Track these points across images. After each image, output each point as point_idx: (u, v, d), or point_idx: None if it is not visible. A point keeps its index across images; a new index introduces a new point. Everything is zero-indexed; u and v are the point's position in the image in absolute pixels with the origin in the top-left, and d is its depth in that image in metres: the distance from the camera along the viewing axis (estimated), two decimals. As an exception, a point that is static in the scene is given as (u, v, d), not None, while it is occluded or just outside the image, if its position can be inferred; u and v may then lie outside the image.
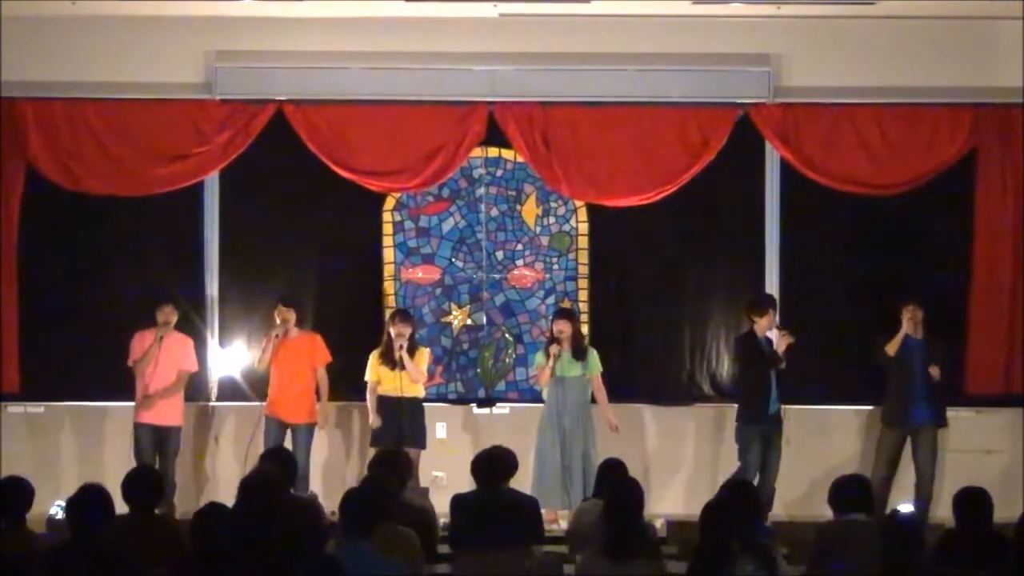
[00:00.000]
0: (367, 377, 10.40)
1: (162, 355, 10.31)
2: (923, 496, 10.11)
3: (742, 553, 5.96)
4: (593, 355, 10.34)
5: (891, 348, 10.27)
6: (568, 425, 10.17)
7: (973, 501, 6.56)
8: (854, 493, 7.03)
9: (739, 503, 6.28)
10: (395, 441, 9.82)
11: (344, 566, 5.63)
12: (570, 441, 10.15)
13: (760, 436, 10.22)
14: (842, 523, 6.95)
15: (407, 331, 10.32)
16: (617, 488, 6.75)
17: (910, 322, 10.25)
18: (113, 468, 10.13)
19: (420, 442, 10.26)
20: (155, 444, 10.30)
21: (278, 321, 10.40)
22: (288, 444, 10.10)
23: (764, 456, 10.20)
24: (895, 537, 6.04)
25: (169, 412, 10.34)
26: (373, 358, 10.40)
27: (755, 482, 9.82)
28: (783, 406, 10.41)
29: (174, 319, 10.37)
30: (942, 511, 6.76)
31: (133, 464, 9.95)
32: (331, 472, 10.86)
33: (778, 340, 10.24)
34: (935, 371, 10.21)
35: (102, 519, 6.18)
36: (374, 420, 10.37)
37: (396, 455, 7.87)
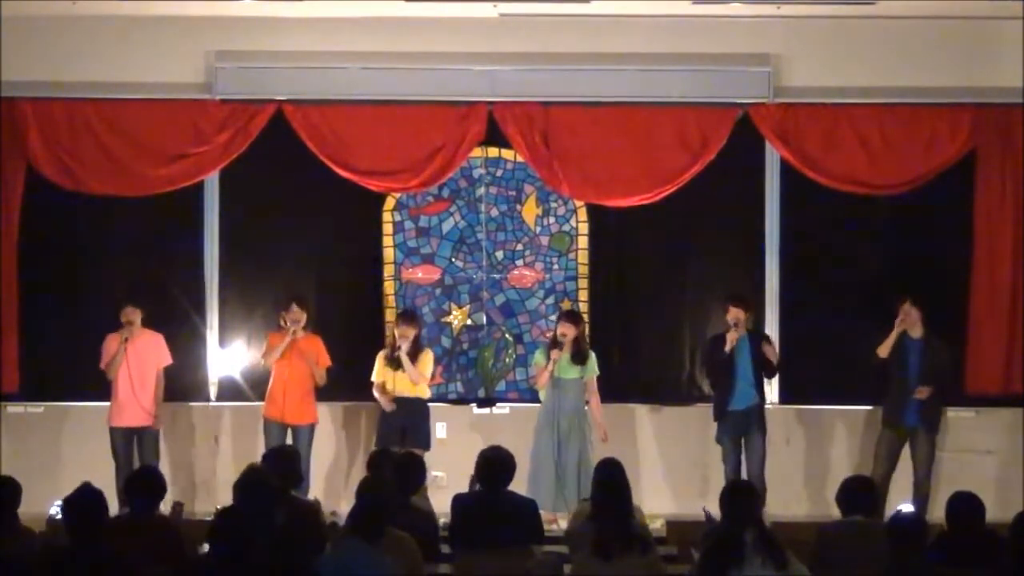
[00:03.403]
0: (374, 378, 10.41)
1: (137, 356, 10.26)
2: (919, 496, 10.09)
3: (752, 548, 5.97)
4: (592, 359, 10.33)
5: (882, 350, 10.22)
6: (564, 427, 10.16)
7: (962, 506, 6.56)
8: (860, 494, 7.05)
9: (737, 503, 6.30)
10: (397, 442, 9.82)
11: (341, 567, 5.64)
12: (567, 443, 10.13)
13: (731, 431, 10.22)
14: (843, 523, 6.97)
15: (410, 333, 10.32)
16: (601, 488, 6.77)
17: (902, 322, 10.21)
18: (113, 468, 10.14)
19: (424, 443, 10.25)
20: (130, 446, 10.25)
21: (288, 322, 10.35)
22: (289, 447, 10.08)
23: (746, 452, 10.19)
24: (901, 538, 6.04)
25: (140, 413, 10.26)
26: (379, 359, 10.43)
27: (733, 477, 9.86)
28: (786, 406, 10.43)
29: (137, 318, 10.27)
30: (940, 511, 6.76)
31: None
32: (333, 473, 10.87)
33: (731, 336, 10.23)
34: (923, 393, 10.12)
35: (99, 520, 6.17)
36: (387, 405, 10.33)
37: (409, 460, 7.82)
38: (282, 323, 10.42)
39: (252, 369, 10.71)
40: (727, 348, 10.18)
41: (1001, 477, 10.54)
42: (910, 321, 10.23)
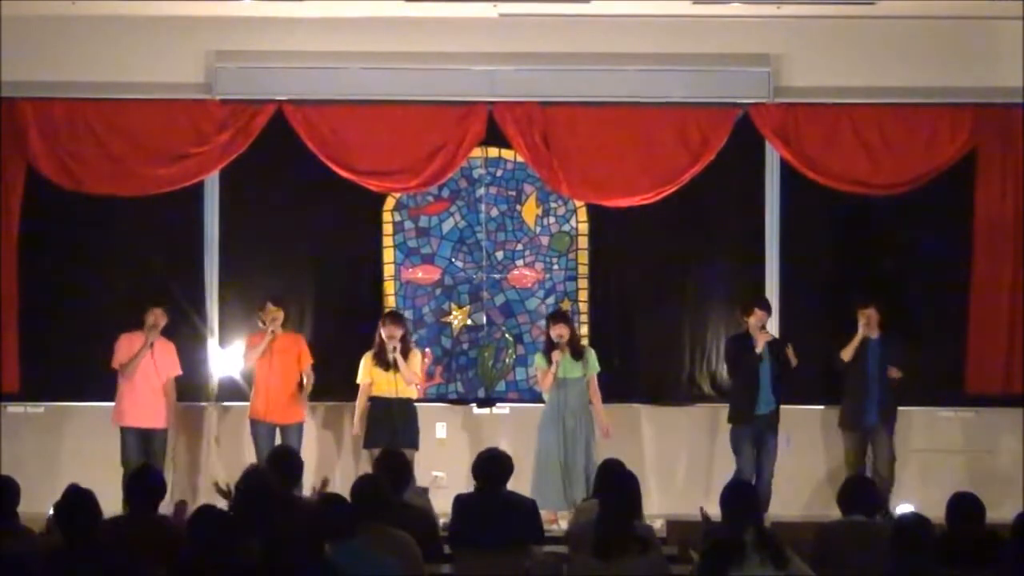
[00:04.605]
0: (359, 379, 10.38)
1: (155, 360, 10.26)
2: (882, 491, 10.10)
3: (752, 548, 5.97)
4: (591, 354, 10.35)
5: (846, 354, 10.30)
6: (571, 425, 10.17)
7: (962, 506, 6.55)
8: (861, 493, 7.04)
9: (738, 502, 6.29)
10: (388, 442, 9.82)
11: (339, 566, 5.63)
12: (573, 441, 10.15)
13: (751, 436, 10.22)
14: (842, 523, 6.96)
15: (398, 333, 10.30)
16: (608, 488, 6.76)
17: (866, 325, 10.26)
18: (113, 468, 10.14)
19: (413, 443, 10.23)
20: (141, 447, 10.26)
21: (266, 321, 10.36)
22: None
23: (758, 456, 10.20)
24: (906, 539, 6.03)
25: (155, 415, 10.29)
26: (366, 360, 10.38)
27: (751, 482, 9.83)
28: (786, 407, 10.43)
29: (163, 322, 10.33)
30: (938, 511, 6.76)
31: (122, 469, 10.00)
32: (322, 472, 10.84)
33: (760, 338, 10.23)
34: (894, 372, 10.20)
35: (91, 521, 6.14)
36: (358, 427, 10.37)
37: (393, 457, 7.85)
38: (260, 324, 10.42)
39: (251, 369, 10.70)
40: (758, 350, 10.20)
41: (1001, 477, 10.54)
42: (872, 323, 10.26)
